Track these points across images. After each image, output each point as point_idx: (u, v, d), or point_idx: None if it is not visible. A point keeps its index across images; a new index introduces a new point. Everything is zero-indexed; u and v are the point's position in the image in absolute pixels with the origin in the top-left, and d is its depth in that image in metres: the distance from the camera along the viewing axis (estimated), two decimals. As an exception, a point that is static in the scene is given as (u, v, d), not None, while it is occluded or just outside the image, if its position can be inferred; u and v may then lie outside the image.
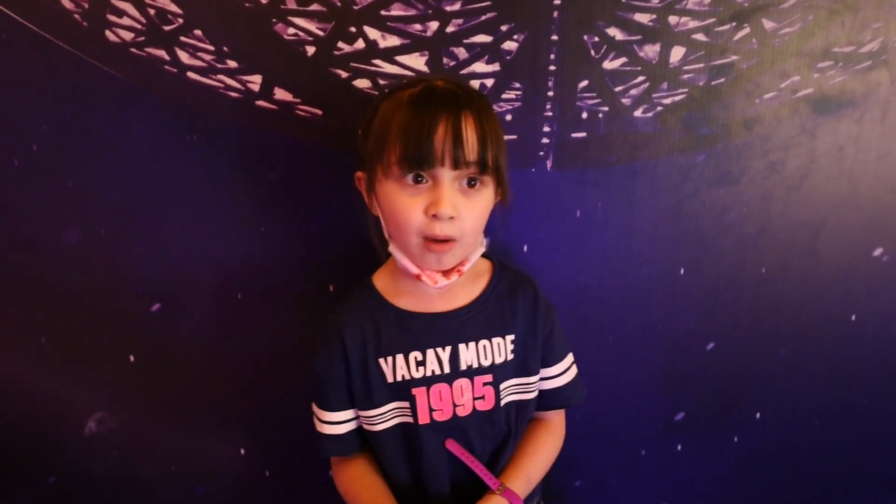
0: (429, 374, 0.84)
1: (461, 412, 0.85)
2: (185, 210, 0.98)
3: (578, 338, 0.98)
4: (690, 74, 0.95)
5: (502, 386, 0.86)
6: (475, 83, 0.93)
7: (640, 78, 0.95)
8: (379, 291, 0.87)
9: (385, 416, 0.86)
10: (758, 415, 1.13)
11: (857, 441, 1.15)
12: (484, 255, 0.90)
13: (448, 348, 0.84)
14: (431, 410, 0.84)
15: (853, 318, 1.08)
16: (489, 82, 0.93)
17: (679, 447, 1.13)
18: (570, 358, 0.94)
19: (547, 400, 0.92)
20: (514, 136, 0.96)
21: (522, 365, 0.88)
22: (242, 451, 1.09)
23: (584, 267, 1.03)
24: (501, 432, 0.88)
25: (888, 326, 1.09)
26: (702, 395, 1.11)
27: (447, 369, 0.84)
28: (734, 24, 0.93)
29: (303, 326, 1.03)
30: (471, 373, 0.85)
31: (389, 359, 0.84)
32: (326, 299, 1.01)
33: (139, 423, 1.06)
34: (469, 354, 0.85)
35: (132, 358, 1.03)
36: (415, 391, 0.84)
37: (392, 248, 0.83)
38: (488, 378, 0.85)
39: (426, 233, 0.76)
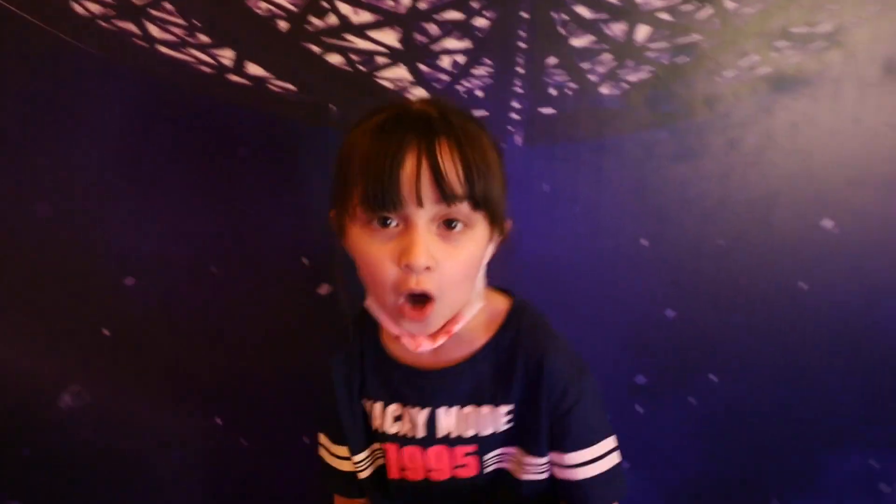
0: (402, 433, 0.75)
1: (436, 476, 0.75)
2: (158, 185, 0.97)
3: (548, 308, 1.01)
4: (655, 53, 0.97)
5: (488, 455, 0.75)
6: (447, 59, 0.94)
7: (607, 55, 0.97)
8: (373, 325, 0.76)
9: (368, 461, 0.81)
10: (714, 378, 1.18)
11: (806, 401, 1.21)
12: (506, 293, 0.79)
13: (426, 410, 0.74)
14: (402, 469, 0.77)
15: (804, 286, 1.14)
16: (461, 59, 0.94)
17: (641, 410, 1.18)
18: (601, 447, 0.74)
19: (566, 492, 0.74)
20: (486, 113, 0.97)
21: (521, 441, 0.74)
22: (219, 421, 1.10)
23: (552, 239, 1.06)
24: (486, 498, 0.77)
25: (835, 294, 1.14)
26: (662, 360, 1.16)
27: (421, 433, 0.74)
28: (698, 3, 0.95)
29: (276, 298, 1.05)
30: (450, 441, 0.74)
31: (369, 402, 0.78)
32: (299, 272, 1.03)
33: (114, 395, 1.07)
34: (449, 421, 0.73)
35: (106, 331, 1.03)
36: (386, 446, 0.77)
37: (369, 302, 0.72)
38: (471, 448, 0.74)
39: (404, 289, 0.63)
